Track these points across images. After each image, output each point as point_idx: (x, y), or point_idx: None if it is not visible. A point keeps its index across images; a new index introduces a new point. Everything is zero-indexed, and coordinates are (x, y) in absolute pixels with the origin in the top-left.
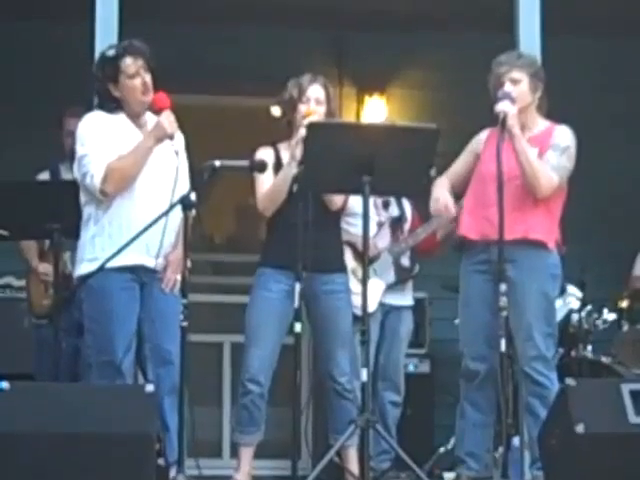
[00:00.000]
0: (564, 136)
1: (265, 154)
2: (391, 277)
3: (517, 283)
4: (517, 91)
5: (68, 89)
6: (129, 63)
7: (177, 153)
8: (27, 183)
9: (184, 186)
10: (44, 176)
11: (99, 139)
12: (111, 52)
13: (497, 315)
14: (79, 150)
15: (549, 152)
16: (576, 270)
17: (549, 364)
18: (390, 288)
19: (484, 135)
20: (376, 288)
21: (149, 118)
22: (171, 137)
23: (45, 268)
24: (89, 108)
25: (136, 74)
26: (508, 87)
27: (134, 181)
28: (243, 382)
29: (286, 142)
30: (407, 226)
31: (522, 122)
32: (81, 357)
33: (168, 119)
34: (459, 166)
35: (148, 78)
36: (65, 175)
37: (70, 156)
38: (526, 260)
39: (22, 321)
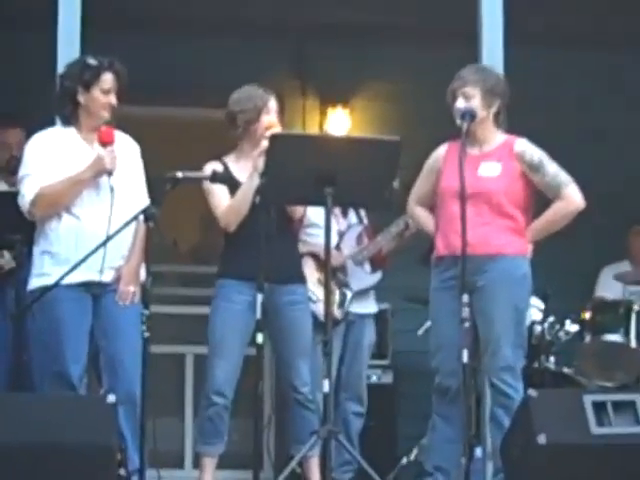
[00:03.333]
0: (531, 148)
1: (214, 167)
2: (357, 285)
3: (487, 294)
4: (470, 106)
5: None
6: (109, 79)
7: (112, 189)
8: None
9: (138, 200)
10: None
11: (40, 160)
12: (94, 62)
13: (460, 326)
14: (20, 170)
15: (543, 172)
16: (539, 282)
17: (516, 375)
18: (356, 296)
19: (442, 150)
20: (346, 296)
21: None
22: (109, 173)
23: None
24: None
25: (109, 91)
26: (460, 102)
27: (68, 206)
28: (208, 394)
29: (233, 154)
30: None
31: (479, 137)
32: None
33: (110, 155)
34: (422, 185)
35: (115, 101)
36: None
37: (7, 169)
38: (495, 271)
39: None
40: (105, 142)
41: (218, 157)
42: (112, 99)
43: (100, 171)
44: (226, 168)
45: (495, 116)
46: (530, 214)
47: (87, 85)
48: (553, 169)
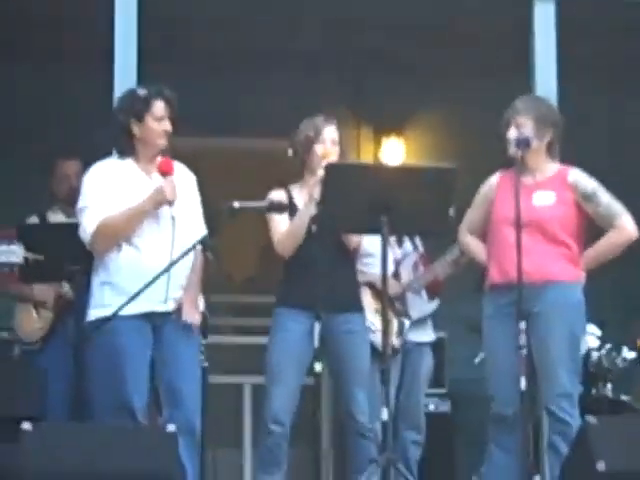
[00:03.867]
0: (585, 178)
1: (278, 196)
2: (415, 313)
3: (542, 320)
4: (523, 134)
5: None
6: (159, 107)
7: (173, 219)
8: (47, 225)
9: (185, 242)
10: (33, 220)
11: (100, 192)
12: (144, 91)
13: (516, 353)
14: (80, 202)
15: (596, 201)
16: (596, 309)
17: (573, 402)
18: (414, 324)
19: (495, 180)
20: (404, 325)
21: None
22: (170, 203)
23: (41, 290)
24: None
25: (162, 119)
26: (512, 132)
27: (128, 237)
28: (266, 423)
29: (298, 183)
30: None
31: (532, 166)
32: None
33: (170, 185)
34: (475, 213)
35: (170, 127)
36: (53, 220)
37: (66, 200)
38: (551, 298)
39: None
40: (165, 172)
41: (284, 185)
42: (166, 126)
43: (161, 202)
44: (290, 196)
45: (548, 146)
46: (582, 241)
47: (139, 116)
48: (606, 199)
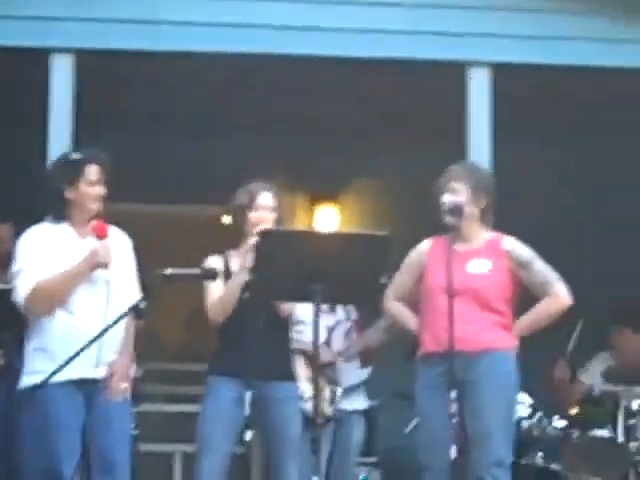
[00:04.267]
0: (520, 247)
1: (215, 262)
2: (347, 380)
3: (477, 388)
4: (458, 201)
5: None
6: (92, 171)
7: (108, 282)
8: None
9: (130, 296)
10: None
11: (34, 255)
12: (77, 156)
13: (446, 421)
14: (14, 266)
15: (531, 269)
16: (526, 377)
17: (506, 470)
18: (346, 392)
19: (426, 246)
20: (336, 393)
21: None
22: (105, 266)
23: None
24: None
25: (96, 182)
26: (447, 197)
27: (63, 301)
28: None
29: (235, 250)
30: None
31: (465, 233)
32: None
33: (105, 248)
34: (403, 280)
35: (103, 191)
36: None
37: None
38: (486, 366)
39: None
40: (99, 236)
41: (221, 252)
42: (100, 190)
43: (95, 264)
44: (227, 263)
45: (481, 213)
46: (513, 308)
47: (72, 181)
48: (541, 267)
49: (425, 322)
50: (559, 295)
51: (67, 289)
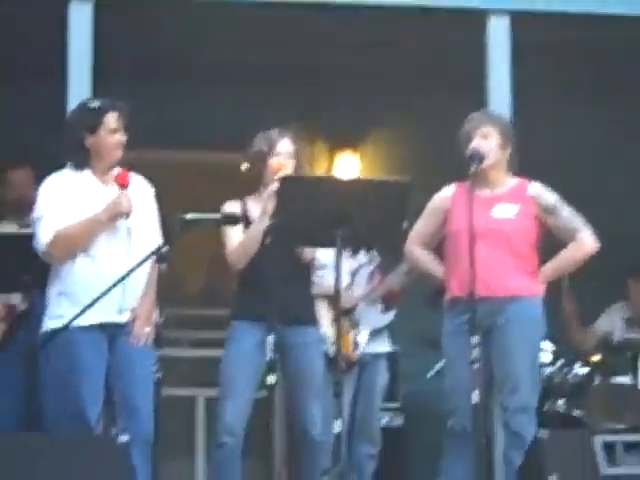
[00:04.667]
0: (546, 192)
1: (233, 208)
2: (370, 324)
3: (505, 334)
4: (487, 146)
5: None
6: (113, 118)
7: (129, 231)
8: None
9: (152, 242)
10: None
11: (55, 202)
12: (95, 104)
13: (470, 367)
14: (35, 212)
15: (557, 214)
16: (549, 324)
17: (532, 416)
18: (372, 335)
19: (449, 192)
20: (360, 337)
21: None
22: (126, 216)
23: None
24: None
25: (116, 130)
26: (477, 141)
27: (85, 248)
28: (218, 435)
29: (253, 196)
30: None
31: (492, 179)
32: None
33: (126, 198)
34: (426, 225)
35: (124, 138)
36: (4, 230)
37: (15, 209)
38: (513, 312)
39: None
40: (122, 185)
41: (240, 197)
42: (120, 137)
43: (117, 214)
44: (245, 208)
45: (508, 158)
46: (538, 255)
47: (92, 129)
48: (567, 213)
49: (450, 268)
50: (585, 241)
51: (87, 237)
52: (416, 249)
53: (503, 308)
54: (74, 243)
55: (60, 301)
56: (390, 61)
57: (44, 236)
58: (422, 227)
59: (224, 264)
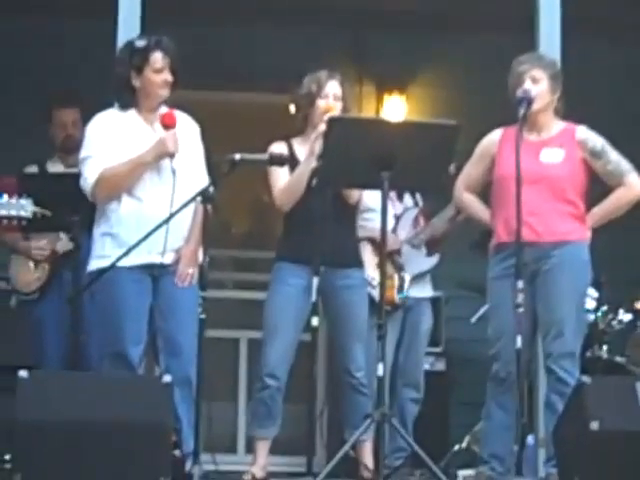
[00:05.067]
0: (593, 136)
1: (279, 148)
2: (415, 268)
3: (551, 279)
4: (537, 90)
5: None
6: (158, 57)
7: (174, 172)
8: (46, 175)
9: (198, 181)
10: (32, 170)
11: (102, 142)
12: (142, 43)
13: (514, 311)
14: (82, 152)
15: (605, 159)
16: (593, 270)
17: (575, 362)
18: (414, 280)
19: (497, 136)
20: (405, 280)
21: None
22: (172, 156)
23: (38, 244)
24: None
25: (162, 69)
26: (528, 84)
27: (129, 188)
28: (261, 377)
29: (299, 137)
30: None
31: (540, 123)
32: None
33: (172, 138)
34: (474, 169)
35: (170, 77)
36: (52, 170)
37: (62, 148)
38: (560, 257)
39: (8, 301)
40: (168, 125)
41: (286, 138)
42: (166, 76)
43: (162, 154)
44: (291, 150)
45: (557, 103)
46: (586, 200)
47: (139, 68)
48: (615, 157)
49: (497, 212)
50: (633, 185)
51: (133, 177)
52: (464, 194)
53: (549, 253)
54: (119, 183)
55: (105, 242)
56: (438, 2)
57: (90, 176)
58: (470, 171)
59: (269, 207)
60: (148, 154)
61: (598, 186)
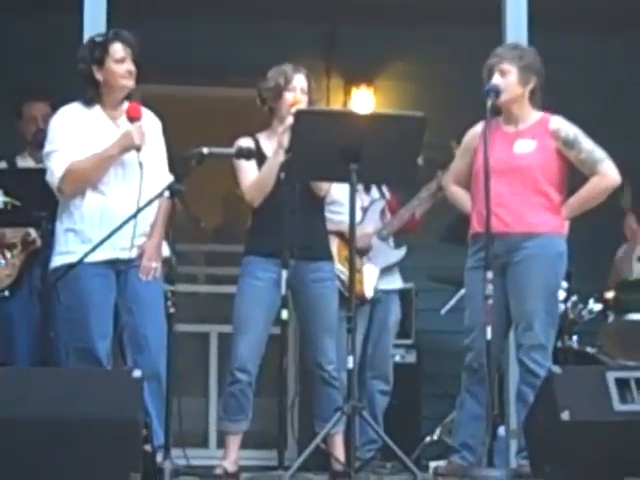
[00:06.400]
0: (567, 125)
1: (245, 143)
2: (383, 261)
3: (521, 271)
4: (505, 82)
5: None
6: (118, 48)
7: (141, 165)
8: (15, 170)
9: (160, 177)
10: (1, 166)
11: (68, 135)
12: (101, 37)
13: (484, 303)
14: (47, 146)
15: (578, 148)
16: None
17: (546, 354)
18: (384, 271)
19: (479, 128)
20: (371, 274)
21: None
22: (138, 148)
23: (12, 232)
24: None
25: (123, 60)
26: (496, 78)
27: (95, 183)
28: (232, 371)
29: (266, 132)
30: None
31: (515, 114)
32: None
33: (138, 130)
34: (459, 163)
35: (133, 67)
36: (21, 165)
37: (33, 142)
38: (531, 249)
39: None
40: (133, 117)
41: (251, 134)
42: (129, 66)
43: (128, 147)
44: (257, 144)
45: (531, 94)
46: (564, 192)
47: (99, 61)
48: (589, 145)
49: (473, 204)
50: (608, 173)
51: (101, 170)
52: (451, 186)
53: (520, 245)
54: (86, 177)
55: (68, 237)
56: None
57: (57, 169)
58: (456, 164)
59: (239, 201)
60: (114, 147)
61: (578, 177)
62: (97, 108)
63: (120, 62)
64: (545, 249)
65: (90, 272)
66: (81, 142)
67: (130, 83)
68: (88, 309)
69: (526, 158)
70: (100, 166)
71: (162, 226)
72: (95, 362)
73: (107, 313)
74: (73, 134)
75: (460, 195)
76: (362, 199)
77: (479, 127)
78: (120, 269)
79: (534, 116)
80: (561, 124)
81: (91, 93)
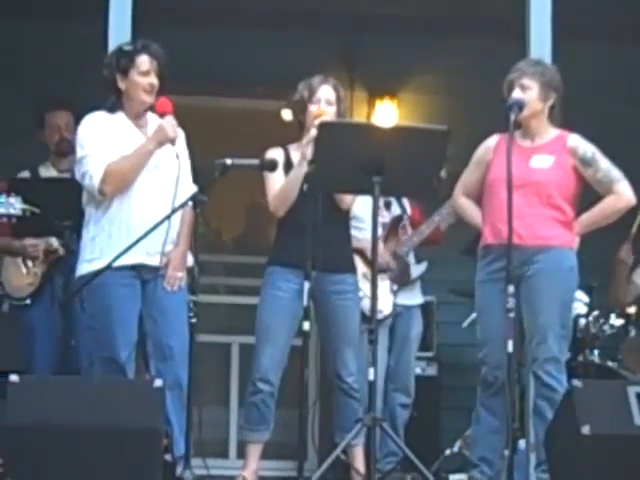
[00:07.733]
0: (584, 144)
1: (275, 154)
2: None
3: (533, 284)
4: (526, 98)
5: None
6: (144, 60)
7: (178, 156)
8: (38, 179)
9: (186, 186)
10: (24, 175)
11: (99, 140)
12: (129, 47)
13: (505, 316)
14: (79, 151)
15: (595, 166)
16: (584, 275)
17: (560, 367)
18: (401, 289)
19: (493, 141)
20: (383, 289)
21: (151, 120)
22: (172, 141)
23: (32, 241)
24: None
25: (147, 73)
26: (517, 93)
27: (133, 182)
28: (254, 381)
29: (296, 143)
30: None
31: (532, 129)
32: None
33: (170, 123)
34: (471, 174)
35: (156, 82)
36: (44, 174)
37: (57, 151)
38: (543, 262)
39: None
40: (163, 112)
41: (283, 145)
42: (152, 80)
43: (162, 140)
44: (287, 155)
45: (550, 110)
46: (576, 208)
47: (124, 71)
48: (605, 165)
49: (485, 216)
50: (623, 193)
51: (139, 167)
52: (460, 198)
53: (533, 258)
54: (126, 176)
55: (95, 245)
56: (431, 7)
57: (96, 172)
58: (467, 177)
59: (262, 212)
60: (150, 142)
61: (592, 194)
62: (121, 114)
63: (144, 75)
64: (557, 263)
65: (116, 281)
66: (111, 146)
67: (150, 99)
68: (113, 319)
69: (543, 173)
70: (138, 163)
71: (187, 236)
72: (119, 371)
73: (132, 323)
74: (103, 138)
75: (469, 207)
76: (383, 215)
77: (492, 140)
78: (145, 278)
79: (551, 132)
80: (579, 142)
81: (113, 100)
